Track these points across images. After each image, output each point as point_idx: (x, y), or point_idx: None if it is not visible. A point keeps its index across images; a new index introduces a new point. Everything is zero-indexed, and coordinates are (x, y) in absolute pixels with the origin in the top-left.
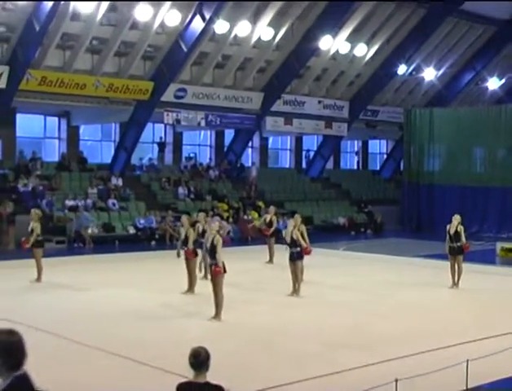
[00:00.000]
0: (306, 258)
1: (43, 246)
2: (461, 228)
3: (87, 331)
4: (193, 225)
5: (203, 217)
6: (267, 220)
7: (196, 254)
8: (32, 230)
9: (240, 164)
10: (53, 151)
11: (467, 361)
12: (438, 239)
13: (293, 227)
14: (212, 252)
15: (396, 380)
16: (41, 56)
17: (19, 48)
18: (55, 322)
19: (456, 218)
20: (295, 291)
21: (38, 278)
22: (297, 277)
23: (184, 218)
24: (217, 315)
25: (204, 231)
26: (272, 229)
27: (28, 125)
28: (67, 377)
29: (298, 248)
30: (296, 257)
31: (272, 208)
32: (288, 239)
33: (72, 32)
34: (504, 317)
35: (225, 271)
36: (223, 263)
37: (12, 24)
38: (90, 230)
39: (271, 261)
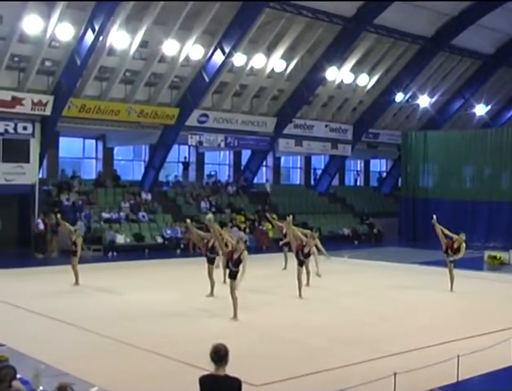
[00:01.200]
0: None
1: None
2: (462, 246)
3: (122, 329)
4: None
5: (227, 230)
6: (283, 232)
7: (213, 261)
8: (75, 243)
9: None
10: (91, 170)
11: (458, 356)
12: (432, 248)
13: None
14: (237, 262)
15: (395, 374)
16: (81, 87)
17: (63, 80)
18: (93, 321)
19: (462, 237)
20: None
21: (76, 282)
22: (299, 281)
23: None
24: (234, 315)
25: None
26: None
27: (69, 146)
28: (104, 371)
29: (303, 258)
30: (299, 264)
31: (287, 221)
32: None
33: (108, 65)
34: (491, 317)
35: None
36: (236, 273)
37: (57, 59)
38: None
39: (285, 268)
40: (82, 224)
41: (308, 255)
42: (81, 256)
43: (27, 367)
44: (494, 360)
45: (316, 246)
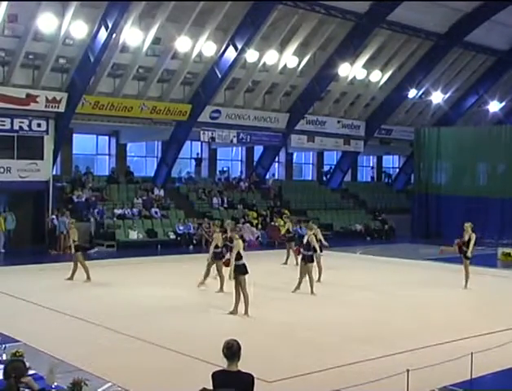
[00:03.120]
0: (327, 260)
1: (80, 250)
2: (472, 236)
3: (134, 325)
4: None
5: (230, 224)
6: (288, 228)
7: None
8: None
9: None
10: (104, 166)
11: (471, 353)
12: (445, 245)
13: (310, 233)
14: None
15: (408, 371)
16: (94, 84)
17: (77, 77)
18: (106, 317)
19: (468, 226)
20: (298, 287)
21: (88, 278)
22: (310, 278)
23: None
24: (245, 311)
25: (231, 238)
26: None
27: (82, 143)
28: (118, 367)
29: (310, 252)
30: (307, 260)
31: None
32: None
33: (121, 62)
34: (504, 314)
35: (247, 272)
36: (244, 265)
37: (71, 57)
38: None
39: (285, 262)
40: (64, 221)
41: (313, 247)
42: (85, 250)
43: (42, 363)
44: (508, 358)
45: (316, 236)
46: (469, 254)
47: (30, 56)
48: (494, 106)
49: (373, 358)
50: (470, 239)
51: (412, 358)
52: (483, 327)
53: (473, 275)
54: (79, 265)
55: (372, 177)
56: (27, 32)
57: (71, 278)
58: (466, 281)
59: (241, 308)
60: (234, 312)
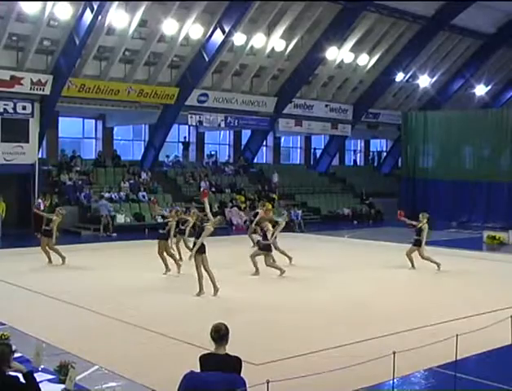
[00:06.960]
0: (317, 245)
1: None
2: (425, 226)
3: (122, 308)
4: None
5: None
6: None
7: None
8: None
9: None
10: (90, 150)
11: (456, 335)
12: (431, 228)
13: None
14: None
15: (394, 353)
16: (80, 66)
17: (62, 59)
18: (93, 300)
19: (424, 217)
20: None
21: (49, 261)
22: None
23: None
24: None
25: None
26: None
27: (69, 126)
28: (104, 350)
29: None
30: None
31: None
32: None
33: (107, 44)
34: (489, 296)
35: (204, 252)
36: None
37: (56, 39)
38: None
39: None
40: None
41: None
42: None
43: (28, 346)
44: (492, 339)
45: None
46: (423, 244)
47: (14, 37)
48: (480, 89)
49: (360, 341)
50: (422, 229)
51: (398, 341)
52: (467, 309)
53: (459, 258)
54: (47, 248)
55: (355, 161)
56: (10, 12)
57: (49, 261)
58: (412, 264)
59: (227, 291)
60: (200, 293)
